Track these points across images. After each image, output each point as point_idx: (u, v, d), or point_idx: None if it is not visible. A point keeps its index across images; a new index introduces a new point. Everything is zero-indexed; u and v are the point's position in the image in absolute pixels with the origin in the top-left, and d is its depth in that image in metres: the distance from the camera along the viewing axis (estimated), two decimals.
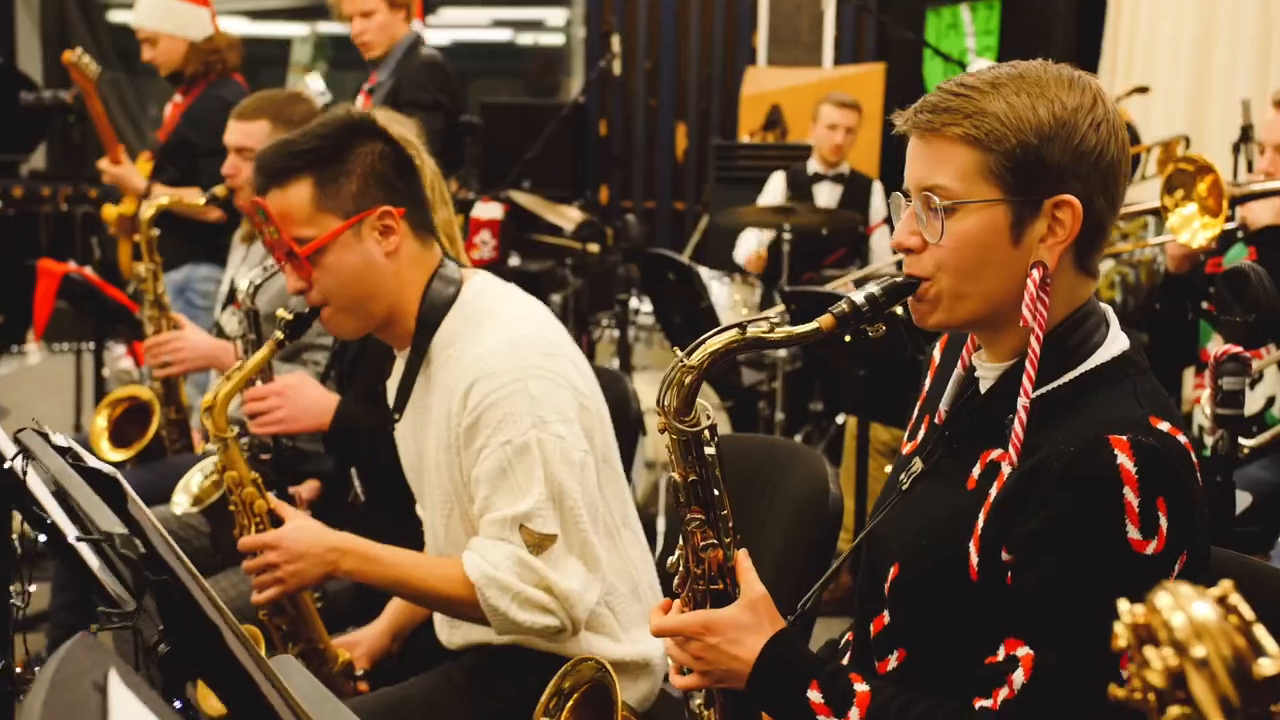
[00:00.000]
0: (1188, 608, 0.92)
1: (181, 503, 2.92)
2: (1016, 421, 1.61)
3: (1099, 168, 1.62)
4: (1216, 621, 0.91)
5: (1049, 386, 1.63)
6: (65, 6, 9.39)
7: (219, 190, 3.67)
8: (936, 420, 1.79)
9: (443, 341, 2.31)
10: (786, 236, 5.40)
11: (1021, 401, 1.61)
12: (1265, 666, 0.89)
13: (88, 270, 4.23)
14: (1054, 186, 1.61)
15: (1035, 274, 1.62)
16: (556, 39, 10.86)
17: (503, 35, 11.72)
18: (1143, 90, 5.30)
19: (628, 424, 2.92)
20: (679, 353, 1.67)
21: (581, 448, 2.24)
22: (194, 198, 3.86)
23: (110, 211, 4.88)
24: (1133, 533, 1.50)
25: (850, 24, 8.07)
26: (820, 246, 5.95)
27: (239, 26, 10.58)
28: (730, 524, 1.75)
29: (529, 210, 6.35)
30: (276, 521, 2.36)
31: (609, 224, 7.04)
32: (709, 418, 1.68)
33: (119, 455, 3.56)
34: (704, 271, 5.38)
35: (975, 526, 1.62)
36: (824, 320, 1.65)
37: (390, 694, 2.37)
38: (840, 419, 5.56)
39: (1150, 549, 1.50)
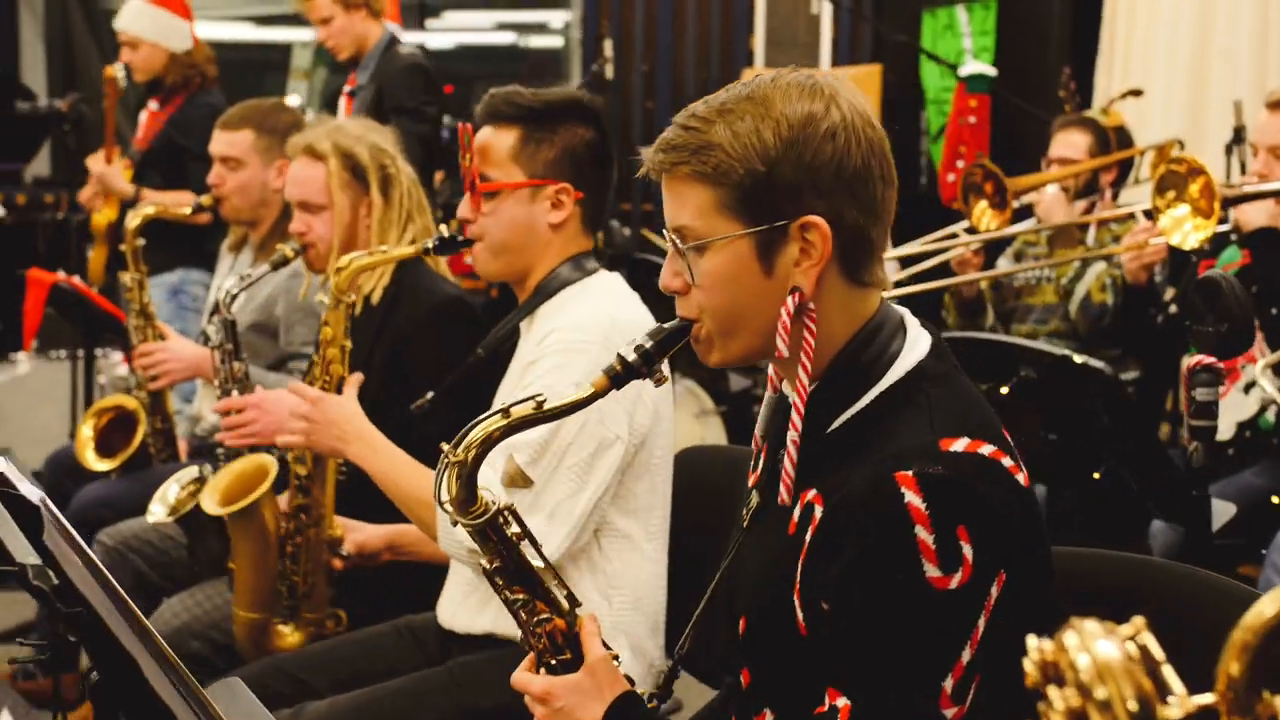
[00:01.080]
0: (1092, 647, 0.91)
1: (157, 513, 2.92)
2: (786, 461, 1.56)
3: (841, 178, 1.56)
4: (1121, 661, 0.89)
5: (850, 412, 1.58)
6: (68, 9, 9.40)
7: (205, 200, 3.68)
8: (754, 448, 1.74)
9: (550, 310, 2.42)
10: None
11: (791, 436, 1.56)
12: (1171, 709, 0.88)
13: (76, 279, 4.23)
14: (793, 209, 1.56)
15: (789, 301, 1.57)
16: (558, 41, 10.85)
17: (506, 38, 11.72)
18: (1136, 93, 5.28)
19: None
20: (445, 446, 1.65)
21: (616, 430, 2.27)
22: (181, 203, 3.86)
23: (100, 219, 4.89)
24: (932, 571, 1.45)
25: (847, 25, 8.04)
26: None
27: (243, 33, 10.60)
28: (565, 590, 1.72)
29: None
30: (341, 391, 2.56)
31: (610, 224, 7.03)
32: (494, 501, 1.67)
33: (105, 465, 3.57)
34: None
35: (795, 576, 1.56)
36: (596, 382, 1.63)
37: (387, 687, 2.38)
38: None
39: (955, 582, 1.45)
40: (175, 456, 3.67)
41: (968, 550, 1.45)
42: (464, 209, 2.44)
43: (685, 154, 1.57)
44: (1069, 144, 4.46)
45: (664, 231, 1.64)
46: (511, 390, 2.38)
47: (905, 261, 4.57)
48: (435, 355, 2.85)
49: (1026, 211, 4.48)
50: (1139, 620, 0.94)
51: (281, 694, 2.43)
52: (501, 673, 2.29)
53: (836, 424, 1.57)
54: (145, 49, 5.01)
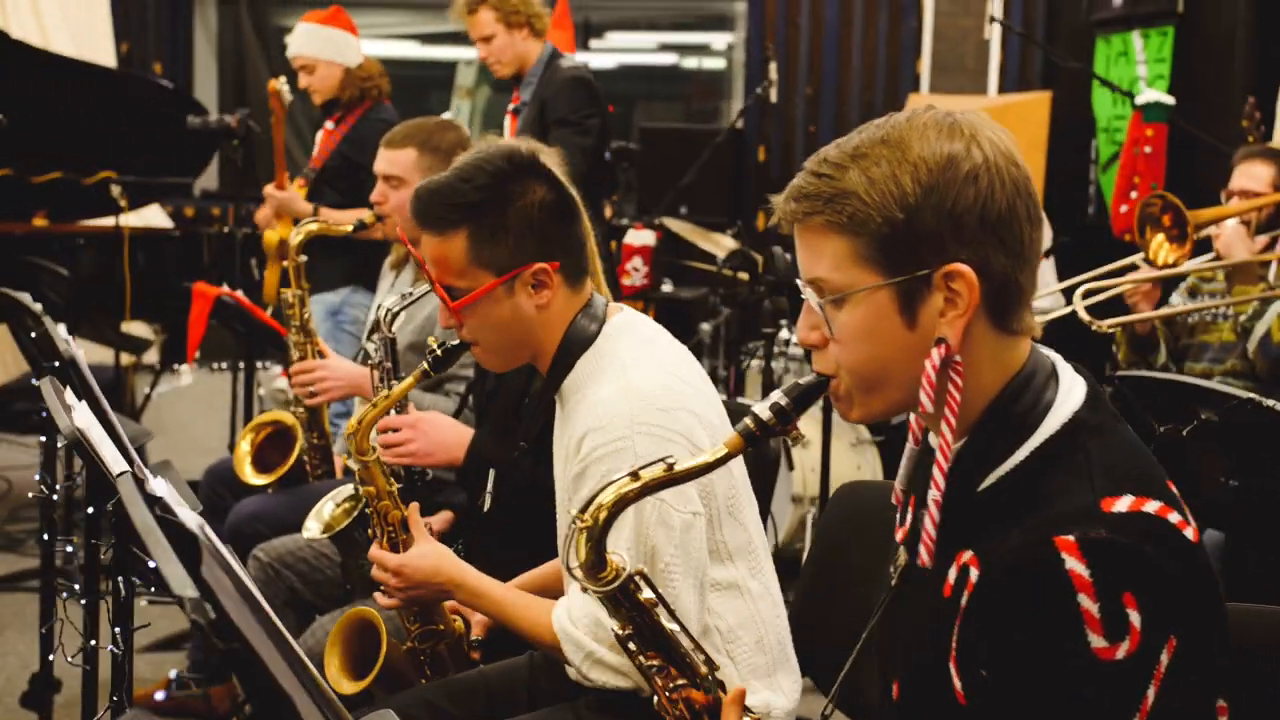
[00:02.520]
0: None
1: (312, 529, 2.94)
2: (927, 520, 1.48)
3: (986, 223, 1.48)
4: None
5: (1005, 468, 1.49)
6: (241, 28, 9.66)
7: (367, 218, 3.70)
8: (894, 502, 1.66)
9: (573, 385, 2.31)
10: None
11: (933, 495, 1.48)
12: None
13: (240, 294, 4.30)
14: (936, 257, 1.48)
15: (935, 354, 1.48)
16: (721, 63, 10.83)
17: (668, 59, 11.75)
18: None
19: (765, 461, 2.85)
20: (573, 512, 1.60)
21: (688, 509, 2.17)
22: (347, 222, 3.90)
23: (271, 236, 4.98)
24: (1097, 642, 1.36)
25: (1016, 51, 7.89)
26: None
27: (408, 50, 10.78)
28: (703, 655, 1.65)
29: (682, 237, 6.32)
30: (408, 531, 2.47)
31: (763, 252, 6.98)
32: (624, 566, 1.61)
33: (261, 480, 3.61)
34: None
35: (952, 642, 1.48)
36: (730, 442, 1.55)
37: None
38: None
39: (1122, 653, 1.37)
40: (331, 473, 3.70)
41: (1135, 618, 1.37)
42: (444, 318, 2.33)
43: (818, 203, 1.50)
44: (1251, 176, 4.28)
45: (798, 283, 1.58)
46: (563, 487, 2.31)
47: (1068, 292, 4.45)
48: None
49: (1204, 245, 4.31)
50: None
51: None
52: (632, 711, 2.27)
53: (989, 481, 1.50)
54: (321, 69, 5.11)
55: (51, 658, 2.80)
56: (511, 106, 5.24)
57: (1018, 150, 1.52)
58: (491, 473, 2.90)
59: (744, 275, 5.16)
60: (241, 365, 5.21)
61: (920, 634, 1.56)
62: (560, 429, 2.35)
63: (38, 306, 3.03)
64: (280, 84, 4.94)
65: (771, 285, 4.59)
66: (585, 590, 1.63)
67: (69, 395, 2.09)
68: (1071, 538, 1.38)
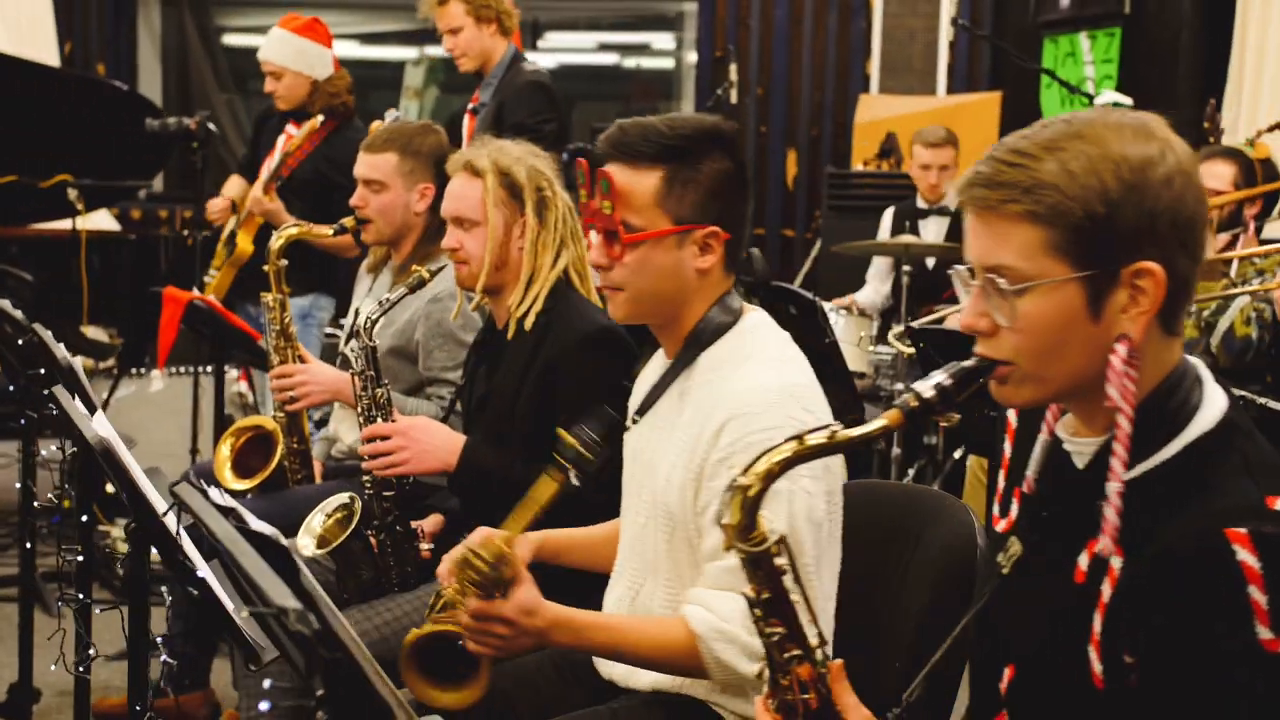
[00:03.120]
0: None
1: (308, 545, 2.91)
2: (1110, 509, 1.50)
3: (1177, 225, 1.52)
4: None
5: (1153, 463, 1.53)
6: (185, 30, 9.56)
7: (348, 222, 3.68)
8: (1027, 491, 1.68)
9: (711, 362, 2.27)
10: (907, 269, 5.34)
11: (1114, 487, 1.51)
12: None
13: (212, 298, 4.26)
14: (1129, 254, 1.51)
15: (1121, 349, 1.51)
16: (663, 63, 10.85)
17: (609, 59, 11.75)
18: None
19: None
20: (735, 471, 1.59)
21: (824, 508, 2.17)
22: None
23: (245, 245, 4.95)
24: (1264, 633, 1.40)
25: (964, 52, 7.97)
26: (938, 280, 5.87)
27: (351, 50, 10.69)
28: (817, 629, 1.66)
29: None
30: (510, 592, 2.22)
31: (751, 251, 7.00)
32: (774, 530, 1.61)
33: (242, 485, 3.57)
34: (825, 305, 5.32)
35: (1092, 628, 1.52)
36: (890, 416, 1.55)
37: None
38: (959, 454, 5.46)
39: None
40: (311, 477, 3.67)
41: None
42: (599, 254, 2.27)
43: (1015, 191, 1.51)
44: (1214, 175, 4.35)
45: (966, 269, 1.60)
46: (688, 470, 2.22)
47: None
48: (584, 386, 2.79)
49: None
50: None
51: None
52: (667, 716, 2.28)
53: (1137, 472, 1.53)
54: (289, 78, 5.08)
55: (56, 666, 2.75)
56: (471, 106, 5.23)
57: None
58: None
59: None
60: (202, 369, 5.17)
61: (1043, 621, 1.58)
62: (675, 403, 2.30)
63: (19, 314, 3.00)
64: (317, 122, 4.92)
65: (749, 287, 4.61)
66: (728, 548, 1.61)
67: (79, 404, 2.08)
68: (1244, 530, 1.41)
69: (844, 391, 4.21)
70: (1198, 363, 1.62)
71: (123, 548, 4.85)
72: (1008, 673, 1.64)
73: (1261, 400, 2.49)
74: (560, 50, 11.27)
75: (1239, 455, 1.51)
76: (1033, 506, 1.67)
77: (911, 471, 5.52)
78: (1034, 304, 1.53)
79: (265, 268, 3.61)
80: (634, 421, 2.41)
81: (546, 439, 2.84)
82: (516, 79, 5.06)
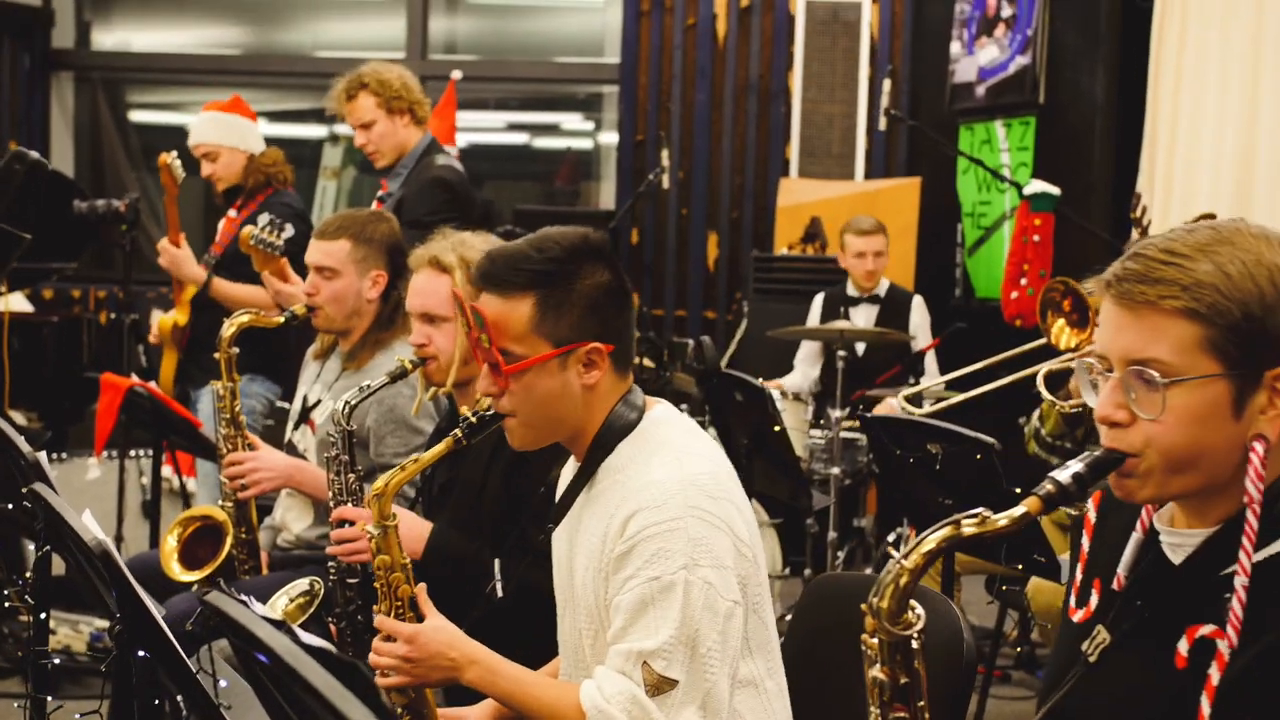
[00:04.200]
0: None
1: None
2: (1235, 600, 1.55)
3: None
4: None
5: (1268, 552, 1.58)
6: (98, 107, 9.44)
7: (299, 309, 3.65)
8: (1115, 586, 1.72)
9: (613, 466, 2.30)
10: (841, 354, 5.39)
11: (1240, 581, 1.55)
12: None
13: (153, 385, 4.19)
14: (1275, 357, 1.58)
15: (1259, 448, 1.58)
16: (576, 143, 10.90)
17: (518, 139, 11.78)
18: (1209, 217, 5.28)
19: None
20: (895, 554, 1.62)
21: (732, 597, 2.19)
22: (256, 300, 3.83)
23: (165, 321, 4.86)
24: None
25: (881, 138, 8.11)
26: (868, 365, 5.93)
27: (273, 129, 10.63)
28: (927, 715, 1.68)
29: None
30: (416, 609, 2.38)
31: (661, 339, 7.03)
32: (919, 618, 1.63)
33: (190, 576, 3.50)
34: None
35: (1198, 711, 1.55)
36: (1030, 504, 1.59)
37: None
38: (892, 538, 5.51)
39: None
40: (258, 569, 3.61)
41: None
42: (485, 384, 2.30)
43: (1175, 288, 1.57)
44: None
45: (1098, 359, 1.65)
46: (595, 571, 2.26)
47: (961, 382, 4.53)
48: (548, 473, 2.80)
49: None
50: None
51: None
52: None
53: (1257, 559, 1.57)
54: (225, 156, 5.03)
55: None
56: (380, 194, 5.15)
57: None
58: (498, 561, 2.88)
59: (649, 362, 5.19)
60: (131, 455, 5.07)
61: (1136, 707, 1.63)
62: (585, 510, 2.33)
63: None
64: (171, 159, 4.79)
65: (699, 374, 4.63)
66: (872, 634, 1.63)
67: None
68: None
69: (791, 477, 4.24)
70: None
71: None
72: None
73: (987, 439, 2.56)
74: (468, 130, 11.29)
75: None
76: (1120, 598, 1.71)
77: (842, 554, 5.56)
78: (1182, 398, 1.58)
79: (216, 355, 3.56)
80: (550, 528, 2.44)
81: (514, 527, 2.84)
82: (423, 174, 4.88)
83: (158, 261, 4.93)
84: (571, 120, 10.98)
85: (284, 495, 3.74)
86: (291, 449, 3.73)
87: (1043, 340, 4.37)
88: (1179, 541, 1.67)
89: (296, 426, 3.76)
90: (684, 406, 5.34)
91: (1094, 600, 1.75)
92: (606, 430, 2.31)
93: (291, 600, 2.93)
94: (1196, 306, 1.57)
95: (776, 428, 4.02)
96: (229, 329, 3.55)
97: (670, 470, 2.23)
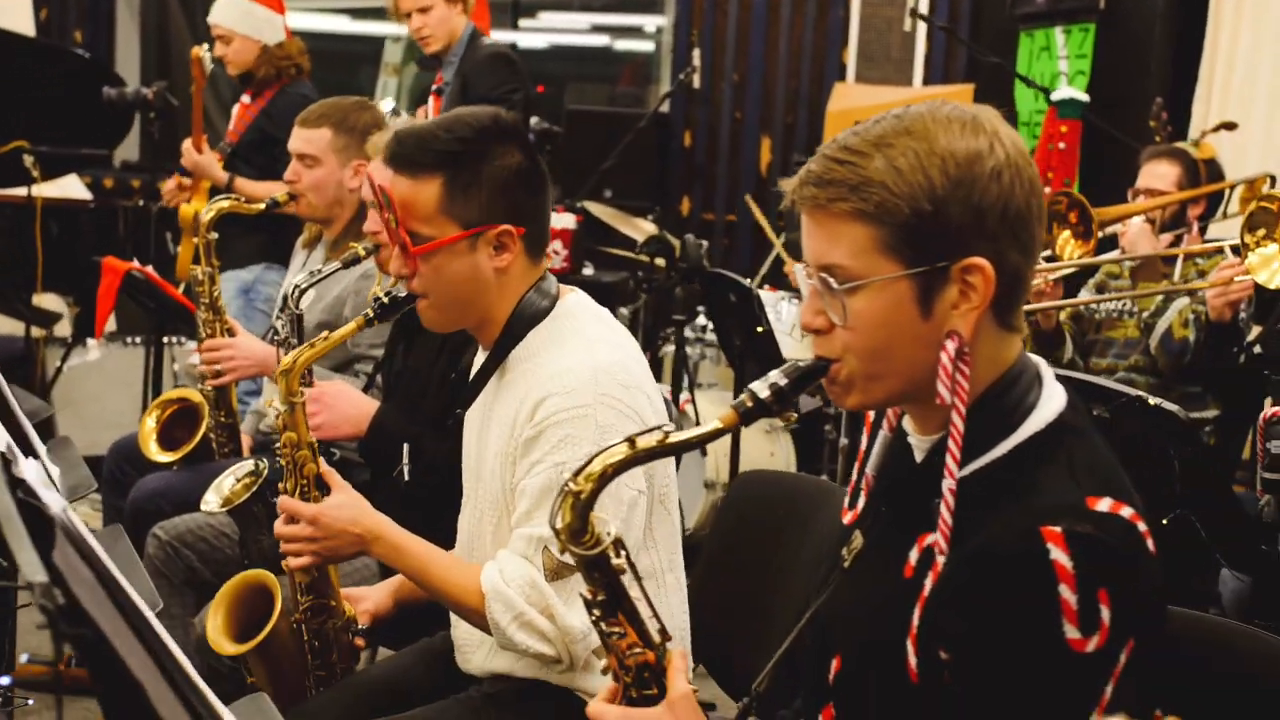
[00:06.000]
0: None
1: (211, 503, 2.89)
2: (943, 506, 1.50)
3: (1006, 220, 1.51)
4: None
5: (984, 460, 1.53)
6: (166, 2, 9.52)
7: (280, 196, 3.68)
8: (867, 486, 1.68)
9: (524, 353, 2.31)
10: None
11: (947, 484, 1.50)
12: None
13: (150, 269, 4.26)
14: (958, 250, 1.50)
15: (949, 346, 1.51)
16: (649, 46, 10.82)
17: (600, 40, 11.71)
18: (1230, 126, 5.13)
19: None
20: (568, 475, 1.60)
21: (636, 487, 2.20)
22: (262, 196, 3.88)
23: (186, 210, 4.93)
24: (1071, 632, 1.41)
25: (941, 44, 7.94)
26: None
27: (337, 24, 10.67)
28: (659, 624, 1.68)
29: (603, 221, 6.32)
30: (323, 487, 2.41)
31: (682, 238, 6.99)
32: (609, 533, 1.62)
33: (166, 457, 3.58)
34: (773, 294, 5.31)
35: (911, 622, 1.52)
36: (725, 418, 1.55)
37: (411, 716, 2.34)
38: None
39: (1091, 646, 1.41)
40: (238, 451, 3.68)
41: (1106, 614, 1.41)
42: (397, 266, 2.29)
43: (844, 190, 1.50)
44: (1157, 175, 4.36)
45: (804, 267, 1.59)
46: (504, 456, 2.28)
47: None
48: None
49: (1111, 243, 4.38)
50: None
51: None
52: (520, 706, 2.30)
53: (968, 470, 1.52)
54: (238, 42, 5.06)
55: None
56: (434, 87, 5.21)
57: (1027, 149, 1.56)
58: (406, 446, 2.90)
59: (661, 261, 5.19)
60: (163, 340, 5.16)
61: (871, 614, 1.59)
62: (496, 398, 2.34)
63: None
64: (202, 51, 4.86)
65: (683, 273, 4.61)
66: (563, 552, 1.63)
67: None
68: (1059, 529, 1.41)
69: None
70: (1039, 361, 1.62)
71: None
72: (835, 663, 1.65)
73: (1155, 401, 2.49)
74: (550, 30, 11.24)
75: (1066, 455, 1.51)
76: (873, 500, 1.67)
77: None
78: (866, 302, 1.52)
79: (195, 239, 3.61)
80: (459, 413, 2.45)
81: (455, 417, 2.87)
82: (477, 54, 5.08)
83: (181, 162, 4.99)
84: (653, 23, 10.89)
85: (268, 381, 3.81)
86: (276, 335, 3.79)
87: (1047, 251, 4.30)
88: (917, 444, 1.62)
89: (279, 313, 3.81)
90: (700, 308, 5.33)
91: (862, 503, 1.70)
92: (517, 317, 2.31)
93: (238, 480, 2.98)
94: (865, 207, 1.49)
95: (760, 329, 4.00)
96: (208, 214, 3.60)
97: (581, 357, 2.23)
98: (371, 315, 2.42)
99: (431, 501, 2.65)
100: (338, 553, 2.37)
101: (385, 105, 4.53)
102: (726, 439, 4.86)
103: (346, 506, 2.35)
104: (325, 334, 2.49)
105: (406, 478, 2.87)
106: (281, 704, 2.51)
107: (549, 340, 2.30)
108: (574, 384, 2.19)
